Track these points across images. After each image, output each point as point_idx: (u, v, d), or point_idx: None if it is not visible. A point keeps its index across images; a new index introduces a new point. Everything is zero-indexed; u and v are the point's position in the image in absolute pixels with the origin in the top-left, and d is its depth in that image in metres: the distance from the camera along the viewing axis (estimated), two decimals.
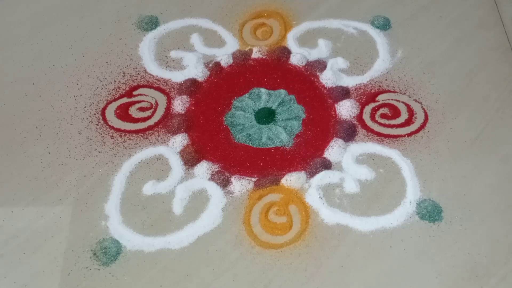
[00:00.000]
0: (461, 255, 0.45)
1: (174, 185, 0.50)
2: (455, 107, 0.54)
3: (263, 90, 0.57)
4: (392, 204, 0.48)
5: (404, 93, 0.56)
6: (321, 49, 0.60)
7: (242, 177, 0.51)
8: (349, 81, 0.57)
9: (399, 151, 0.52)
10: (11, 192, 0.50)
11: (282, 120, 0.54)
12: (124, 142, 0.53)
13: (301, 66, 0.59)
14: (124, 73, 0.58)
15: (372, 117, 0.54)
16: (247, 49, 0.60)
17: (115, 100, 0.56)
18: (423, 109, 0.55)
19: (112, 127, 0.54)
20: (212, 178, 0.50)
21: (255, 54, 0.59)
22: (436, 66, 0.56)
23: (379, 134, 0.53)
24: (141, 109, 0.55)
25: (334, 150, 0.52)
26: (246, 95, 0.56)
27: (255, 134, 0.53)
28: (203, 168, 0.51)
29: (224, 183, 0.50)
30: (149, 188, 0.50)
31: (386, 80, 0.57)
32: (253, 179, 0.50)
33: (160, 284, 0.44)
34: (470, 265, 0.45)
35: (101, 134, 0.53)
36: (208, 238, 0.47)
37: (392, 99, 0.55)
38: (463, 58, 0.57)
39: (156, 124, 0.54)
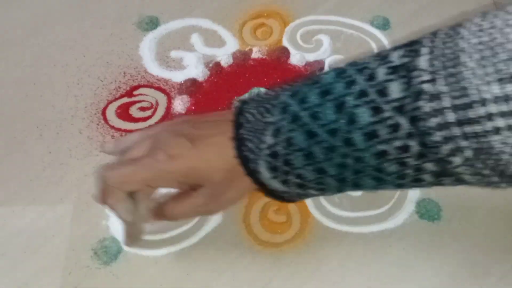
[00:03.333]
0: (460, 254, 0.45)
1: None
2: None
3: (263, 89, 0.57)
4: (391, 203, 0.48)
5: None
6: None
7: None
8: None
9: None
10: (12, 191, 0.50)
11: None
12: None
13: (300, 66, 0.59)
14: (124, 73, 0.58)
15: None
16: (247, 49, 0.60)
17: (115, 99, 0.56)
18: None
19: (112, 127, 0.54)
20: None
21: (255, 54, 0.60)
22: None
23: None
24: (142, 109, 0.55)
25: None
26: (246, 94, 0.57)
27: None
28: None
29: None
30: None
31: None
32: None
33: (161, 283, 0.44)
34: (470, 264, 0.45)
35: (102, 133, 0.54)
36: (208, 237, 0.47)
37: None
38: None
39: (157, 124, 0.54)
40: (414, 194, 0.49)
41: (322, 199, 0.49)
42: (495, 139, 0.28)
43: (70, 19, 0.63)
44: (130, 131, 0.54)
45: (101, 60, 0.59)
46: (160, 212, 0.39)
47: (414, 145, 0.30)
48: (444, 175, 0.32)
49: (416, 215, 0.48)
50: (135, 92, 0.57)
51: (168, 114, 0.55)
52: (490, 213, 0.47)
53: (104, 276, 0.45)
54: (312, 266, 0.45)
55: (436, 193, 0.49)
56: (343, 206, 0.48)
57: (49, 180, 0.50)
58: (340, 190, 0.35)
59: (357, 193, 0.49)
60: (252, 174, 0.35)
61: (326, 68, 0.58)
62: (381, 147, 0.31)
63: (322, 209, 0.48)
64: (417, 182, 0.33)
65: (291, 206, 0.48)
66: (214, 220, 0.48)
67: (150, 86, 0.57)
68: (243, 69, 0.59)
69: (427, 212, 0.47)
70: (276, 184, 0.35)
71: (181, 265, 0.45)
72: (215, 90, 0.57)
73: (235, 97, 0.56)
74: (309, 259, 0.45)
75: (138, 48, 0.60)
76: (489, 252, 0.45)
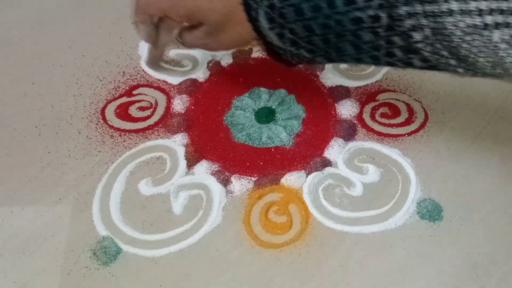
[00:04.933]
0: (461, 255, 0.45)
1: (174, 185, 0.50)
2: (456, 106, 0.54)
3: (263, 89, 0.57)
4: (392, 203, 0.48)
5: (404, 92, 0.56)
6: None
7: (242, 176, 0.50)
8: (349, 81, 0.57)
9: (399, 150, 0.52)
10: (10, 191, 0.50)
11: (282, 119, 0.54)
12: (124, 141, 0.53)
13: (301, 66, 0.58)
14: (123, 72, 0.58)
15: (372, 117, 0.54)
16: (247, 48, 0.60)
17: (114, 99, 0.56)
18: (423, 108, 0.54)
19: (111, 127, 0.54)
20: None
21: (255, 54, 0.59)
22: None
23: (379, 134, 0.53)
24: (141, 109, 0.55)
25: (334, 150, 0.52)
26: (246, 94, 0.56)
27: (255, 134, 0.53)
28: (203, 168, 0.51)
29: (224, 183, 0.50)
30: (149, 187, 0.50)
31: (386, 79, 0.57)
32: (253, 179, 0.50)
33: (160, 284, 0.44)
34: (470, 264, 0.45)
35: (101, 133, 0.53)
36: (208, 237, 0.47)
37: (392, 99, 0.55)
38: None
39: (156, 124, 0.54)
40: (415, 195, 0.48)
41: (322, 200, 0.49)
42: (448, 21, 0.34)
43: (69, 18, 0.63)
44: (130, 131, 0.53)
45: (100, 59, 0.59)
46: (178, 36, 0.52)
47: (384, 16, 0.37)
48: (410, 51, 0.38)
49: (417, 215, 0.47)
50: (134, 92, 0.57)
51: (168, 114, 0.55)
52: (491, 213, 0.47)
53: (103, 277, 0.45)
54: (312, 267, 0.45)
55: (437, 193, 0.49)
56: (344, 206, 0.48)
57: (48, 180, 0.50)
58: (327, 55, 0.43)
59: (358, 193, 0.49)
60: (253, 21, 0.43)
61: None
62: (358, 13, 0.38)
63: (322, 209, 0.48)
64: (390, 57, 0.40)
65: (292, 207, 0.48)
66: (214, 220, 0.48)
67: (149, 85, 0.57)
68: (243, 68, 0.59)
69: (428, 212, 0.47)
70: (272, 36, 0.43)
71: (181, 265, 0.45)
72: (214, 90, 0.57)
73: (235, 97, 0.56)
74: (309, 259, 0.45)
75: (137, 48, 0.60)
76: (490, 253, 0.45)
